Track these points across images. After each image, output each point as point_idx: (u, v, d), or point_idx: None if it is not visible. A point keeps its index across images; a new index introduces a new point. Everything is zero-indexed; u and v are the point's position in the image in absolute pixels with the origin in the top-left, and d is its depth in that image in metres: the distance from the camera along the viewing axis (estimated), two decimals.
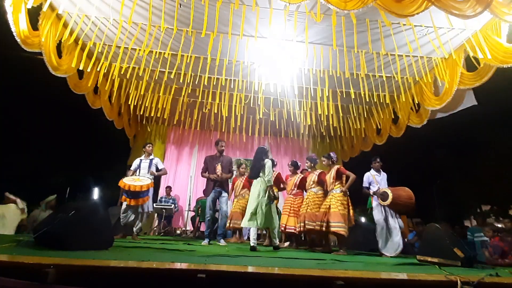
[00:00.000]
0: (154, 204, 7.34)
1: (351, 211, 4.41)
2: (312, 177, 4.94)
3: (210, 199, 4.68)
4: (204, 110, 7.11)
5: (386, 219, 4.51)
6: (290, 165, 5.56)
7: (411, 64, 5.34)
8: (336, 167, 4.64)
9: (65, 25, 4.65)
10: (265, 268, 1.98)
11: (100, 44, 5.02)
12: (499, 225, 5.51)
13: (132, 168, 5.23)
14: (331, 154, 4.87)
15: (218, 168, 4.64)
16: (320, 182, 4.85)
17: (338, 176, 4.53)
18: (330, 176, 4.62)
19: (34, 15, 4.16)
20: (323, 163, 4.87)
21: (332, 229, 4.21)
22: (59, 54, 4.75)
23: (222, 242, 4.61)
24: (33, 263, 1.64)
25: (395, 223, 4.50)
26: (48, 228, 2.41)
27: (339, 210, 4.27)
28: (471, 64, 4.67)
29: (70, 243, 2.34)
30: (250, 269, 1.86)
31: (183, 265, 1.87)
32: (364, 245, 5.37)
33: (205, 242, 4.50)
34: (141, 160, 5.26)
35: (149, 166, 5.14)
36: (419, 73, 5.45)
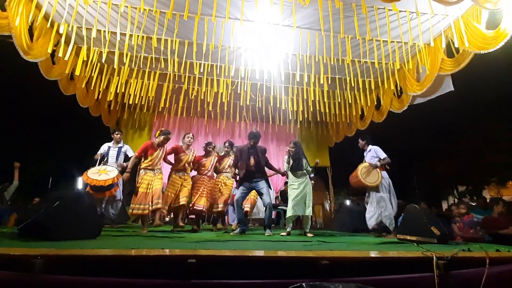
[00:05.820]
0: None
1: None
2: (228, 161, 5.12)
3: (246, 187, 4.48)
4: (190, 97, 6.98)
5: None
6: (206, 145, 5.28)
7: (395, 50, 5.41)
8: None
9: (38, 6, 4.36)
10: (254, 251, 2.04)
11: (71, 25, 4.75)
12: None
13: (100, 152, 4.93)
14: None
15: (252, 161, 4.43)
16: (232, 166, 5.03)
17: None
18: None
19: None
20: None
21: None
22: (32, 37, 4.43)
23: (268, 232, 4.34)
24: (20, 254, 1.61)
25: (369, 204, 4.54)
26: (32, 219, 2.37)
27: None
28: (450, 50, 4.78)
29: (56, 233, 2.31)
30: (239, 253, 1.91)
31: (173, 251, 1.89)
32: (348, 226, 5.61)
33: (237, 231, 4.30)
34: (109, 147, 5.00)
35: (118, 155, 4.90)
36: (402, 59, 5.53)
